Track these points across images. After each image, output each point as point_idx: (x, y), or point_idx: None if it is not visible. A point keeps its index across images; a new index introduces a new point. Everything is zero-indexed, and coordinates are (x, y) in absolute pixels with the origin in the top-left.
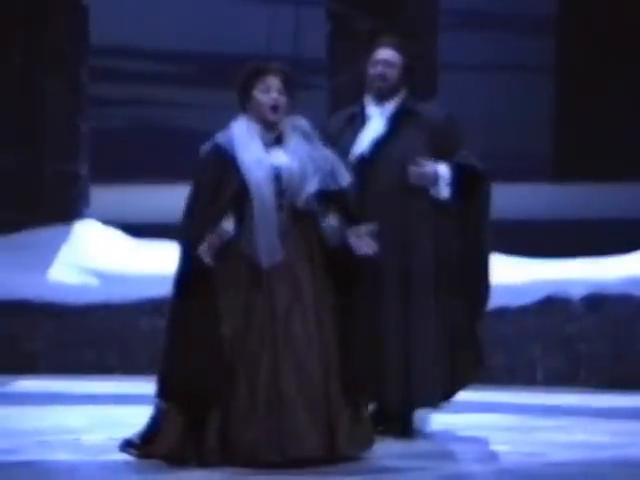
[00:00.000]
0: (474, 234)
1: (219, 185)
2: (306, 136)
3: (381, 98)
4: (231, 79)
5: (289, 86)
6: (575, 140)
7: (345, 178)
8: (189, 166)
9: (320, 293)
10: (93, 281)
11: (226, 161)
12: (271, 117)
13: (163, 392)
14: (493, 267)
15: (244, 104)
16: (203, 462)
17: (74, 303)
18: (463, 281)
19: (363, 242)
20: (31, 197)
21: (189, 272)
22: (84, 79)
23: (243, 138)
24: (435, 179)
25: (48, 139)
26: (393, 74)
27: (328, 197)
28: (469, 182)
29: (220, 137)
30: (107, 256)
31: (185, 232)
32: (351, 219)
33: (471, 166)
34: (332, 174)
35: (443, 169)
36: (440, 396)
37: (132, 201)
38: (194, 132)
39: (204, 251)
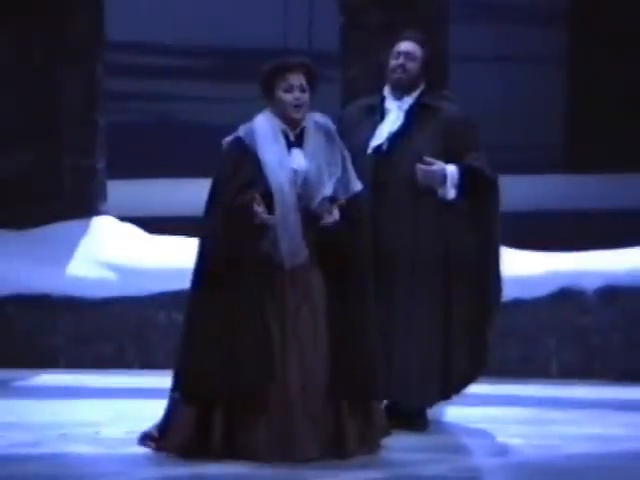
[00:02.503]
0: (484, 232)
1: (241, 181)
2: (327, 135)
3: (400, 90)
4: (246, 73)
5: (311, 81)
6: (587, 131)
7: (357, 185)
8: (205, 160)
9: (329, 295)
10: (110, 275)
11: (247, 156)
12: (294, 115)
13: (178, 385)
14: (505, 265)
15: (266, 100)
16: (209, 457)
17: (92, 297)
18: (474, 279)
19: (328, 213)
20: (49, 192)
21: (208, 269)
22: (101, 74)
23: (266, 137)
24: (442, 179)
25: (65, 134)
26: (413, 67)
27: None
28: (476, 185)
29: (242, 131)
30: (124, 250)
31: (207, 229)
32: (355, 224)
33: (480, 170)
34: (345, 181)
35: (451, 170)
36: (437, 394)
37: (148, 195)
38: (210, 126)
39: (257, 207)
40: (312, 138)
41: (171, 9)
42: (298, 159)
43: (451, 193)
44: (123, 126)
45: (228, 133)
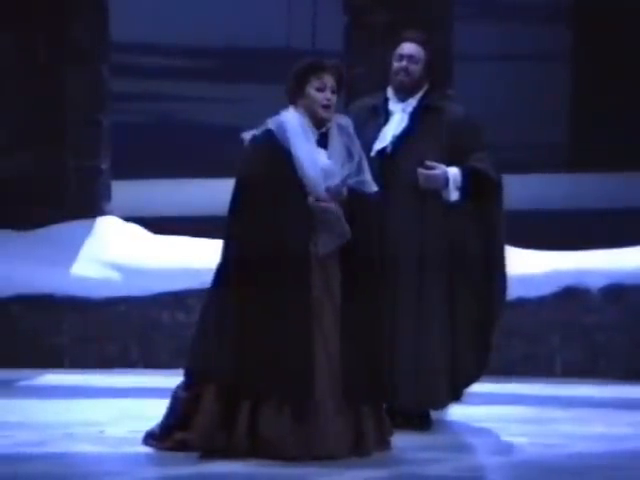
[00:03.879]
0: (489, 233)
1: (274, 180)
2: (349, 138)
3: (403, 92)
4: (250, 73)
5: (340, 84)
6: (592, 129)
7: (372, 187)
8: (208, 160)
9: (345, 295)
10: (115, 275)
11: (279, 151)
12: (324, 115)
13: (201, 379)
14: (509, 264)
15: (295, 97)
16: (231, 452)
17: (96, 297)
18: (479, 280)
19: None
20: (53, 192)
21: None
22: (105, 75)
23: (298, 134)
24: (445, 182)
25: (70, 135)
26: (416, 69)
27: (352, 201)
28: (480, 186)
29: (273, 124)
30: (128, 250)
31: (237, 229)
32: (367, 222)
33: (483, 171)
34: (361, 181)
35: (454, 172)
36: (445, 396)
37: (153, 196)
38: (214, 127)
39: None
40: (336, 139)
41: (174, 10)
42: (323, 159)
43: (454, 195)
44: (127, 126)
45: (232, 133)
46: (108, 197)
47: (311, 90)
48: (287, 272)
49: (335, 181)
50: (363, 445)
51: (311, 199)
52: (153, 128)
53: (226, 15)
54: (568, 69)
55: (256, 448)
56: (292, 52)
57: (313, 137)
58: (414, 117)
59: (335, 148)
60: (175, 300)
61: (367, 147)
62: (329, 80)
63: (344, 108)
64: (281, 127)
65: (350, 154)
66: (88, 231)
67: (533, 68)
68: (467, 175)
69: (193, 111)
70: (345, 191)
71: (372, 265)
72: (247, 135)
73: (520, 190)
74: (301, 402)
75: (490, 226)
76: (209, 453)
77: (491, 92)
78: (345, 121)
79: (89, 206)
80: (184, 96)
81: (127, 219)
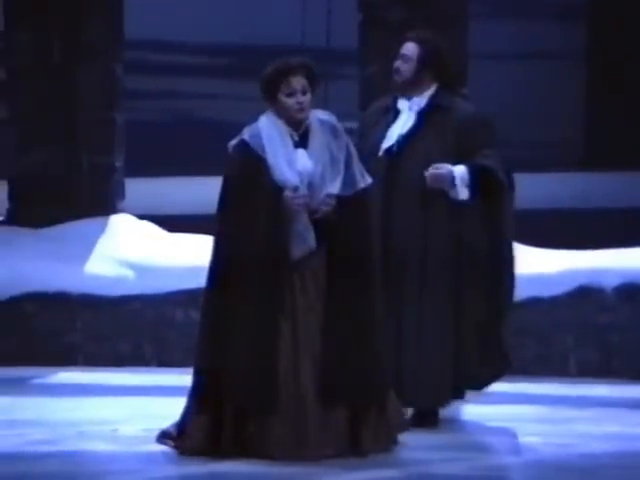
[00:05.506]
0: (497, 231)
1: (250, 185)
2: (332, 132)
3: (399, 91)
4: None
5: (312, 80)
6: (606, 128)
7: (364, 180)
8: (221, 158)
9: (335, 295)
10: (128, 273)
11: (254, 159)
12: (298, 117)
13: (196, 385)
14: (521, 264)
15: (267, 102)
16: (218, 454)
17: (109, 295)
18: (487, 280)
19: (325, 205)
20: (67, 190)
21: (223, 272)
22: (119, 72)
23: (273, 140)
24: (451, 181)
25: (84, 132)
26: (407, 68)
27: (342, 201)
28: (488, 184)
29: (247, 134)
30: (142, 248)
31: (220, 230)
32: (361, 221)
33: (491, 168)
34: (350, 177)
35: (461, 170)
36: (449, 394)
37: (166, 193)
38: (227, 124)
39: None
40: (316, 137)
41: (188, 7)
42: (303, 160)
43: (463, 193)
44: (141, 124)
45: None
46: (122, 195)
47: (282, 96)
48: (262, 275)
49: (319, 191)
50: (358, 445)
51: (287, 193)
52: (167, 126)
53: (241, 13)
54: (582, 67)
55: (243, 452)
56: (307, 50)
57: (290, 141)
58: (420, 117)
59: (315, 147)
60: (188, 298)
61: (376, 146)
62: (298, 82)
63: (359, 106)
64: (256, 136)
65: (337, 148)
66: (102, 229)
67: (547, 66)
68: (474, 172)
69: (207, 109)
70: (332, 201)
71: (361, 265)
72: (232, 143)
73: (534, 189)
74: (266, 410)
75: (498, 225)
76: (195, 455)
77: (505, 90)
78: (326, 116)
79: (103, 204)
80: (198, 94)
81: (141, 217)
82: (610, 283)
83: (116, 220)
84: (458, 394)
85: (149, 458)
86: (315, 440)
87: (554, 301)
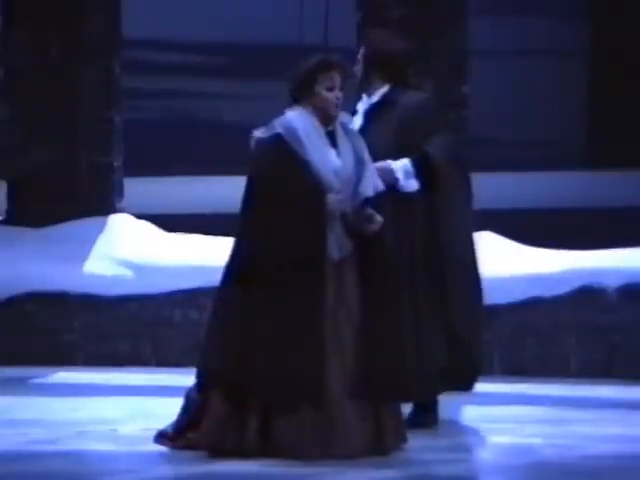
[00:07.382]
0: (450, 225)
1: (285, 184)
2: (353, 132)
3: (362, 92)
4: (262, 70)
5: (344, 81)
6: (608, 127)
7: (378, 185)
8: (222, 158)
9: (365, 295)
10: (127, 273)
11: (288, 155)
12: (334, 113)
13: (209, 379)
14: (518, 263)
15: (302, 96)
16: (242, 452)
17: (108, 295)
18: (443, 276)
19: (368, 222)
20: (66, 190)
21: (242, 275)
22: (117, 71)
23: (310, 135)
24: (391, 175)
25: (83, 132)
26: (358, 70)
27: (368, 202)
28: (432, 173)
29: (281, 128)
30: (141, 248)
31: (247, 231)
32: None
33: (432, 156)
34: (370, 180)
35: (402, 163)
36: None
37: (165, 193)
38: (227, 124)
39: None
40: (344, 138)
41: (187, 6)
42: (334, 159)
43: (412, 185)
44: (139, 123)
45: (244, 130)
46: (121, 194)
47: (322, 89)
48: (301, 275)
49: (348, 189)
50: (382, 444)
51: (331, 196)
52: (166, 125)
53: (238, 12)
54: (584, 65)
55: (268, 449)
56: (305, 49)
57: (326, 139)
58: (367, 115)
59: (344, 147)
60: (188, 298)
61: None
62: (337, 78)
63: (356, 105)
64: (291, 130)
65: (360, 151)
66: (101, 228)
67: (548, 64)
68: (416, 162)
69: (206, 108)
70: (379, 219)
71: (391, 265)
72: (258, 133)
73: (535, 188)
74: (314, 408)
75: (449, 218)
76: (217, 453)
77: (506, 88)
78: (346, 118)
79: (102, 203)
80: (197, 93)
81: (140, 216)
82: (612, 283)
83: (115, 220)
84: (423, 393)
85: (149, 458)
86: (344, 439)
87: (556, 301)
